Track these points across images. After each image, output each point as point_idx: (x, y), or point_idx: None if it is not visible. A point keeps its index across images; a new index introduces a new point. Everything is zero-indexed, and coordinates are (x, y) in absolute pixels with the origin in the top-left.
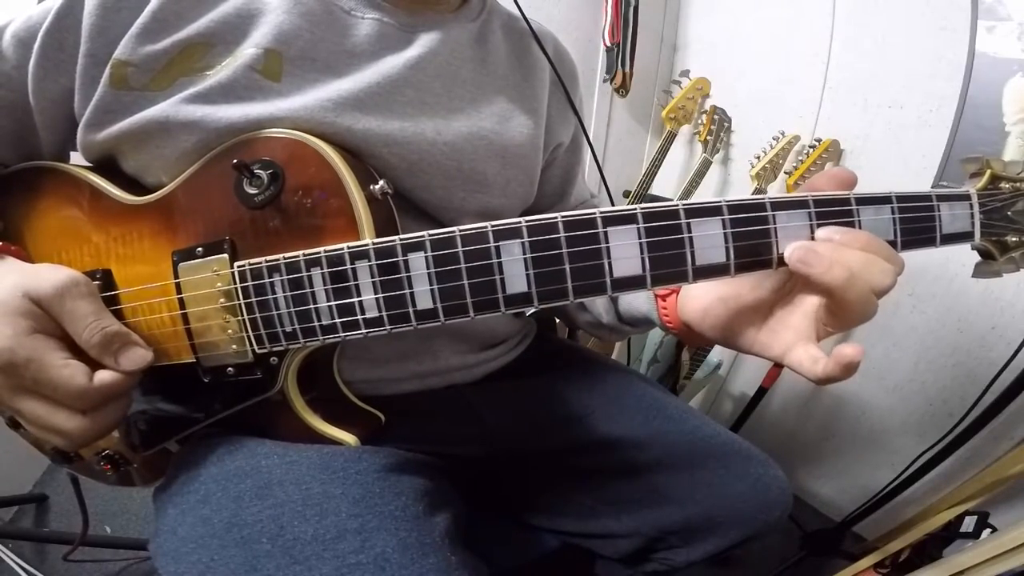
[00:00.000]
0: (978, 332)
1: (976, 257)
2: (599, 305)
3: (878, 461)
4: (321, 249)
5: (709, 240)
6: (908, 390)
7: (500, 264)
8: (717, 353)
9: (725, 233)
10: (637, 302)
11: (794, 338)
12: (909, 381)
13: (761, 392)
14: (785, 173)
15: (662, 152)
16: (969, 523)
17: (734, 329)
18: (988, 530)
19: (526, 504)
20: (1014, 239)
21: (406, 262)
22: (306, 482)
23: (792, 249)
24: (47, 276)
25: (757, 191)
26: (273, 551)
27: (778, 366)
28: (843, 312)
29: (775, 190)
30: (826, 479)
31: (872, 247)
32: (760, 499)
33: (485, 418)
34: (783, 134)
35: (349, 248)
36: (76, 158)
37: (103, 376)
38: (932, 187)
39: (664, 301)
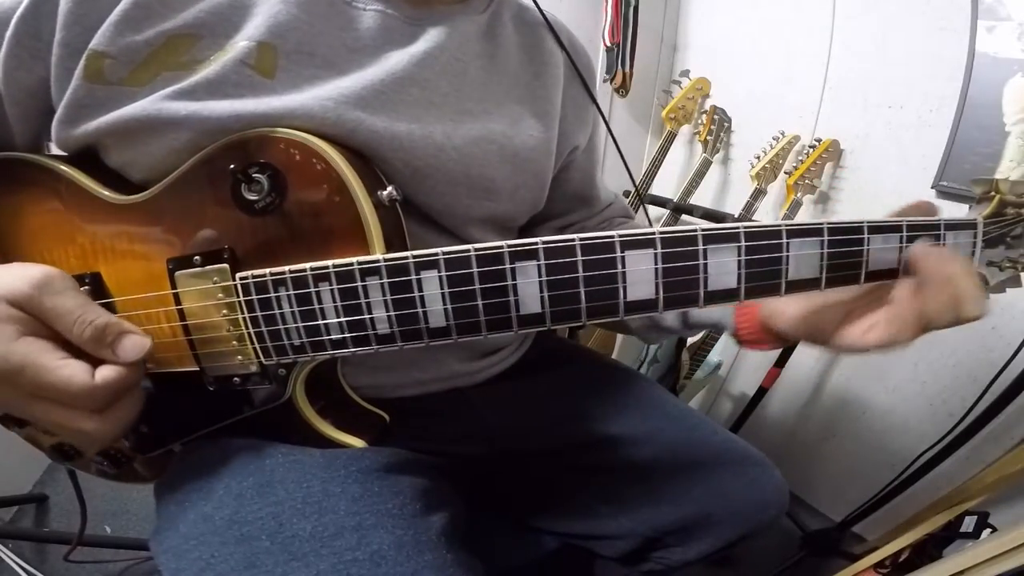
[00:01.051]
0: (978, 332)
1: None
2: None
3: (878, 461)
4: (330, 263)
5: (722, 267)
6: (908, 390)
7: (515, 286)
8: (717, 353)
9: (739, 260)
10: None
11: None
12: (909, 381)
13: (761, 392)
14: (785, 173)
15: (662, 152)
16: (969, 523)
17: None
18: (988, 530)
19: (526, 504)
20: (1008, 264)
21: (419, 281)
22: (307, 480)
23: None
24: (20, 275)
25: (757, 191)
26: (272, 548)
27: (778, 366)
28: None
29: (775, 190)
30: (826, 479)
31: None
32: (756, 498)
33: (486, 418)
34: (783, 134)
35: (360, 264)
36: (55, 150)
37: (105, 372)
38: (932, 187)
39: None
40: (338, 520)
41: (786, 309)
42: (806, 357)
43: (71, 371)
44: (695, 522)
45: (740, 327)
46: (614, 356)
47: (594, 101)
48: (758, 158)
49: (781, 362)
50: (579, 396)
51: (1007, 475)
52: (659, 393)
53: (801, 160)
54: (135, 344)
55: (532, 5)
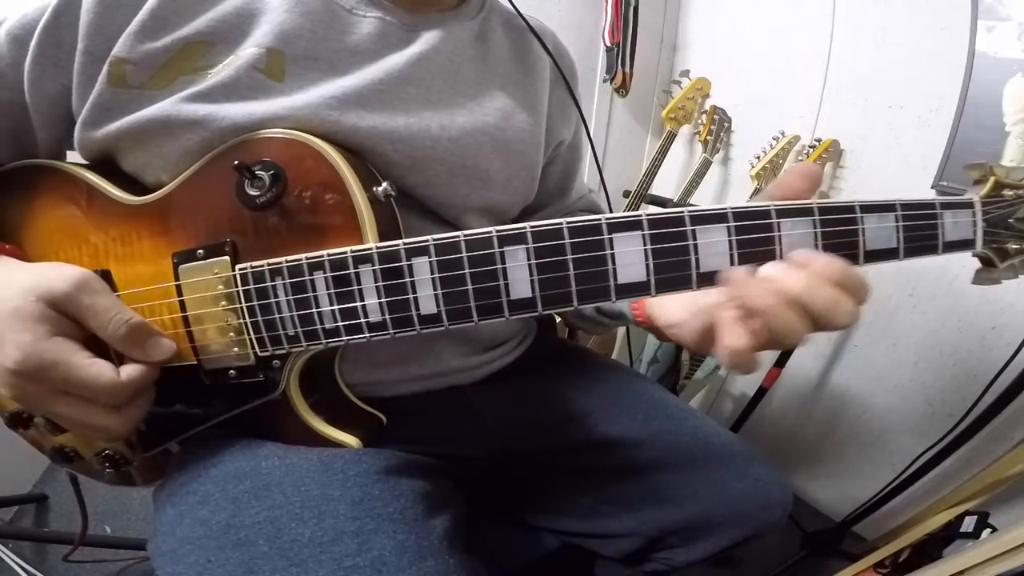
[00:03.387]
0: (978, 332)
1: (976, 260)
2: None
3: (878, 461)
4: (324, 253)
5: (713, 247)
6: (908, 390)
7: (504, 270)
8: None
9: (729, 240)
10: None
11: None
12: (909, 381)
13: (761, 392)
14: None
15: (662, 152)
16: (969, 523)
17: (707, 338)
18: (988, 530)
19: (526, 504)
20: (1015, 246)
21: (410, 267)
22: (305, 484)
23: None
24: (57, 276)
25: (757, 191)
26: (270, 553)
27: (778, 366)
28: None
29: None
30: (826, 479)
31: (846, 283)
32: (760, 499)
33: (486, 418)
34: (783, 134)
35: (352, 252)
36: (73, 157)
37: (130, 370)
38: (932, 187)
39: None
40: (338, 525)
41: (667, 312)
42: (806, 357)
43: (99, 369)
44: (699, 523)
45: (634, 313)
46: (614, 356)
47: (576, 104)
48: (758, 158)
49: (781, 362)
50: (580, 397)
51: (1007, 475)
52: (661, 394)
53: (801, 160)
54: (163, 345)
55: (519, 13)
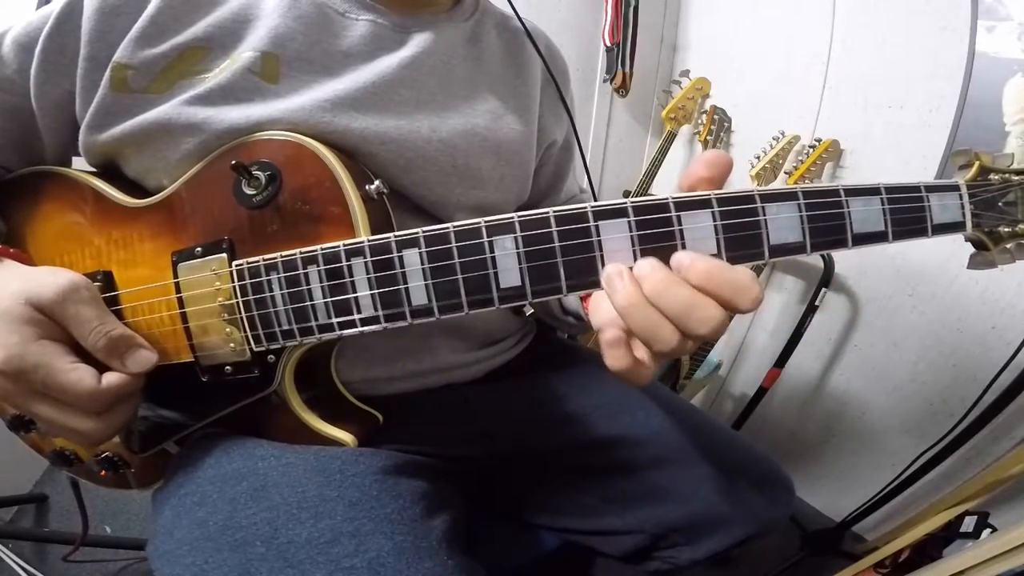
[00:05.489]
0: (978, 332)
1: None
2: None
3: (878, 461)
4: (317, 247)
5: (700, 232)
6: (908, 390)
7: (493, 259)
8: (717, 353)
9: (715, 225)
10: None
11: None
12: (909, 381)
13: (761, 392)
14: (785, 173)
15: (662, 152)
16: (969, 523)
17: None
18: (988, 530)
19: (527, 503)
20: (1006, 230)
21: (400, 258)
22: (302, 484)
23: (606, 270)
24: (48, 281)
25: None
26: (267, 554)
27: (778, 366)
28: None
29: None
30: (826, 479)
31: (711, 284)
32: (764, 497)
33: (485, 418)
34: (783, 134)
35: (345, 246)
36: (78, 163)
37: (111, 378)
38: None
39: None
40: (335, 526)
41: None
42: (806, 357)
43: (79, 375)
44: (703, 521)
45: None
46: None
47: (566, 106)
48: (758, 158)
49: (781, 362)
50: (581, 396)
51: (1007, 475)
52: (662, 392)
53: (801, 160)
54: (143, 357)
55: (514, 14)
